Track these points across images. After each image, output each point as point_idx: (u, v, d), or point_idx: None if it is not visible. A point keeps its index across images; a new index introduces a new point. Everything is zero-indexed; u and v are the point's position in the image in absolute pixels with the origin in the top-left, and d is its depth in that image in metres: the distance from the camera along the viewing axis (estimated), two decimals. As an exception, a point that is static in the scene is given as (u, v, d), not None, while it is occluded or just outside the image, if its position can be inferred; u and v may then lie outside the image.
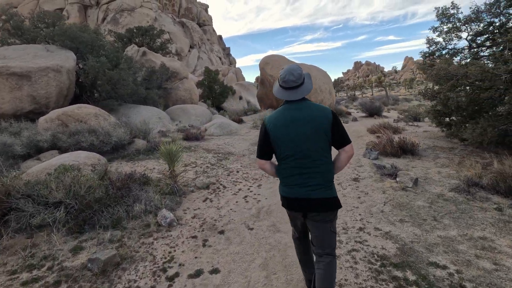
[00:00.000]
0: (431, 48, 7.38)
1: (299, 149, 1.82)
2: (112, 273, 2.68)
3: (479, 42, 7.01)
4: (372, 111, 16.04)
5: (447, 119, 7.50)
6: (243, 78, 42.52)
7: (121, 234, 3.41)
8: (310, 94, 16.05)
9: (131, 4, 43.26)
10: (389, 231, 3.26)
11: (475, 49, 7.02)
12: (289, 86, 1.85)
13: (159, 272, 2.70)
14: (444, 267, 2.56)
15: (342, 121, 2.05)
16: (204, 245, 3.16)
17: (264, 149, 1.97)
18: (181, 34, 48.82)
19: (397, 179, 4.69)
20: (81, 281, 2.57)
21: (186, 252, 3.03)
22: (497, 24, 6.53)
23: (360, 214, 3.74)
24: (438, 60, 6.66)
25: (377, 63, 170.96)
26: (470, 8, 6.42)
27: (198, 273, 2.66)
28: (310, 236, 2.10)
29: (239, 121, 14.35)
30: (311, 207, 1.86)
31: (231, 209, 4.11)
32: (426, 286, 2.34)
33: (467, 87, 5.15)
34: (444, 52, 7.44)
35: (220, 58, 56.39)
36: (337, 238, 3.17)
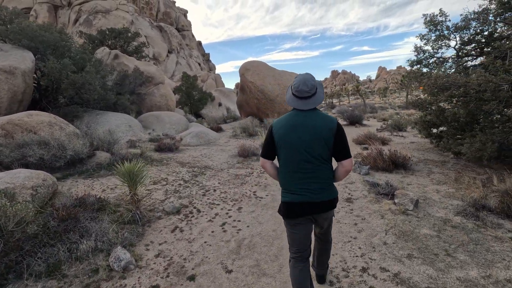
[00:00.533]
0: (419, 56, 7.08)
1: (300, 155, 1.87)
2: None
3: (465, 51, 6.78)
4: (353, 120, 15.81)
5: (435, 130, 7.20)
6: (223, 85, 41.85)
7: (58, 285, 2.58)
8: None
9: (106, 6, 41.50)
10: (399, 273, 2.67)
11: (463, 58, 6.78)
12: (302, 95, 1.89)
13: None
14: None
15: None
16: (167, 301, 2.41)
17: (268, 150, 2.03)
18: (159, 38, 47.52)
19: (395, 200, 4.16)
20: None
21: (141, 314, 2.27)
22: (485, 33, 6.31)
23: (360, 248, 3.13)
24: (434, 71, 6.32)
25: (352, 72, 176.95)
26: (461, 15, 6.17)
27: None
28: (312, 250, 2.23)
29: (218, 130, 13.61)
30: (314, 210, 1.92)
31: (205, 242, 3.38)
32: None
33: (464, 98, 4.77)
34: (431, 61, 7.17)
35: (199, 64, 55.44)
36: (338, 285, 2.55)
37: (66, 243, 3.02)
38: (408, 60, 7.30)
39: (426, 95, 6.40)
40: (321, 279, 2.57)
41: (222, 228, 3.72)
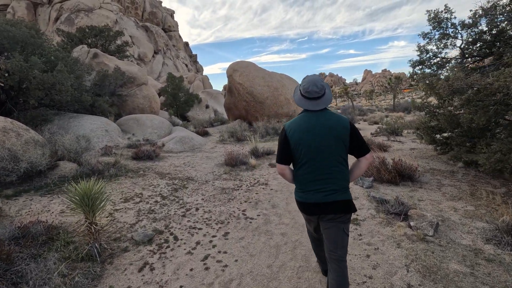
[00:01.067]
0: (421, 56, 6.53)
1: (318, 156, 1.85)
2: None
3: (469, 50, 6.27)
4: (346, 123, 15.35)
5: (438, 135, 6.67)
6: (211, 86, 41.05)
7: None
8: (282, 104, 14.99)
9: (88, 5, 39.96)
10: (437, 336, 2.00)
11: (468, 59, 6.27)
12: (312, 96, 1.88)
13: None
14: None
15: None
16: None
17: (284, 155, 1.98)
18: (145, 38, 46.26)
19: (411, 223, 3.52)
20: None
21: None
22: (494, 31, 5.81)
23: (379, 294, 2.46)
24: (449, 73, 5.73)
25: (339, 75, 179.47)
26: (471, 10, 5.64)
27: None
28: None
29: (204, 134, 12.82)
30: (327, 210, 1.88)
31: (181, 287, 2.63)
32: None
33: (482, 102, 4.19)
34: (433, 61, 6.64)
35: (186, 65, 54.38)
36: None
37: (-13, 299, 2.22)
38: (410, 61, 6.75)
39: (429, 98, 5.86)
40: None
41: (204, 264, 2.97)
